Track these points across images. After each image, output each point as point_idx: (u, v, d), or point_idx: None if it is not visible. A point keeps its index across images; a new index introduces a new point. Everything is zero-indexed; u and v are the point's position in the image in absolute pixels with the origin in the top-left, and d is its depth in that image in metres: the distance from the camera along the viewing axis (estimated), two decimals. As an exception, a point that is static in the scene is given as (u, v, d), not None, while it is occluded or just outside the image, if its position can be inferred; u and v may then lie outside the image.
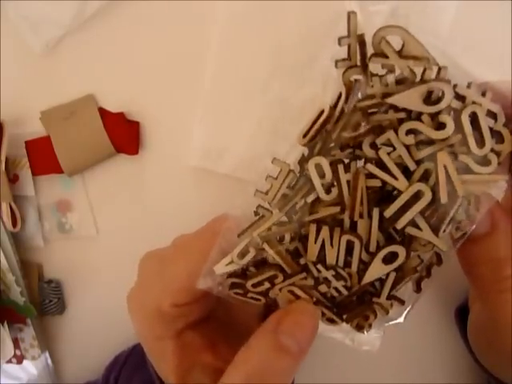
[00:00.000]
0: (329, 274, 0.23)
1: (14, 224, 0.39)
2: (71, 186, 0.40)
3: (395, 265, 0.23)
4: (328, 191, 0.22)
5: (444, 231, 0.22)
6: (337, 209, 0.22)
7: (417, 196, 0.22)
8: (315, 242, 0.22)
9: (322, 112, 0.22)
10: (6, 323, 0.39)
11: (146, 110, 0.39)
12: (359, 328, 0.25)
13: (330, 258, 0.23)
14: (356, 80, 0.22)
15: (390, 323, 0.26)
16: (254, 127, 0.37)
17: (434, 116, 0.22)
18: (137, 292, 0.29)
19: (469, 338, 0.34)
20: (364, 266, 0.23)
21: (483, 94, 0.22)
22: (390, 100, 0.21)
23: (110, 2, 0.37)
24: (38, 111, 0.39)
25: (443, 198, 0.22)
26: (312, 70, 0.35)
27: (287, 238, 0.23)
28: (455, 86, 0.22)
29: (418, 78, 0.22)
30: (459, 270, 0.27)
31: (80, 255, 0.42)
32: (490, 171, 0.22)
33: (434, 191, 0.22)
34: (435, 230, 0.22)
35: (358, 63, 0.22)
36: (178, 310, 0.27)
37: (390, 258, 0.23)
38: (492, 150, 0.22)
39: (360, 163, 0.22)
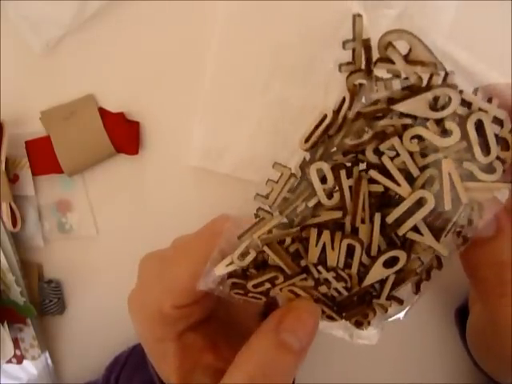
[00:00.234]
0: (329, 276, 0.23)
1: (14, 224, 0.39)
2: (71, 186, 0.40)
3: (396, 268, 0.22)
4: (329, 196, 0.22)
5: (445, 237, 0.22)
6: (339, 214, 0.22)
7: (419, 203, 0.21)
8: (316, 245, 0.22)
9: (324, 117, 0.22)
10: (5, 323, 0.39)
11: (146, 110, 0.39)
12: (358, 325, 0.25)
13: (331, 260, 0.23)
14: (360, 84, 0.22)
15: (389, 320, 0.26)
16: (253, 127, 0.37)
17: (439, 121, 0.21)
18: (137, 294, 0.29)
19: (467, 340, 0.34)
20: (364, 268, 0.23)
21: (489, 100, 0.22)
22: (395, 107, 0.21)
23: (109, 2, 0.37)
24: (38, 111, 0.38)
25: (447, 205, 0.21)
26: (312, 70, 0.35)
27: (288, 240, 0.23)
28: (461, 91, 0.22)
29: (425, 83, 0.21)
30: (459, 271, 0.27)
31: (80, 255, 0.41)
32: (495, 179, 0.22)
33: (437, 197, 0.21)
34: (437, 236, 0.22)
35: (363, 67, 0.22)
36: (179, 311, 0.27)
37: (390, 262, 0.22)
38: (497, 158, 0.22)
39: (362, 166, 0.22)
